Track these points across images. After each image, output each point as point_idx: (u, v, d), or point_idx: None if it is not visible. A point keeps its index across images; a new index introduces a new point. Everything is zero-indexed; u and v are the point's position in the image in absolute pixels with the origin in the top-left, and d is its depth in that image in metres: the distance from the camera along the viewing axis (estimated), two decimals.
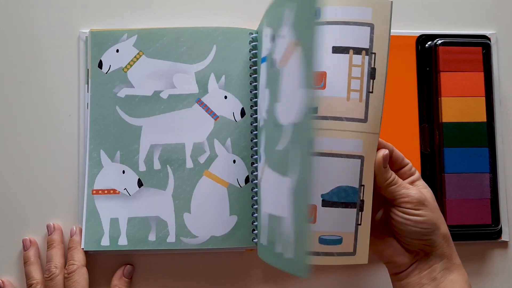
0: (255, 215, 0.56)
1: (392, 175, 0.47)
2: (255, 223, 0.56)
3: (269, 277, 0.59)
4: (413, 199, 0.46)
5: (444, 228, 0.47)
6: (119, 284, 0.56)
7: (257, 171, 0.55)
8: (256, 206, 0.56)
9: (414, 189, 0.47)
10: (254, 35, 0.58)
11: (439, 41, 0.60)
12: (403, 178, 0.48)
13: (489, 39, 0.61)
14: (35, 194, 0.59)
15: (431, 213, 0.46)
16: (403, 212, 0.46)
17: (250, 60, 0.57)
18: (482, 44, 0.60)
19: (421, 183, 0.49)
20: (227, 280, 0.59)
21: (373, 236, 0.48)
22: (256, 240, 0.55)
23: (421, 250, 0.47)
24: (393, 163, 0.48)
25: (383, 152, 0.46)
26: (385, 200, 0.49)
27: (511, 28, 0.63)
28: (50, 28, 0.60)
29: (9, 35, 0.60)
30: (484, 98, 0.59)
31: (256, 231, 0.55)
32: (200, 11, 0.62)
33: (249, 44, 0.58)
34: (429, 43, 0.61)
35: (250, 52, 0.58)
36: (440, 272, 0.46)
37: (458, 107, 0.59)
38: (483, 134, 0.59)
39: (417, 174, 0.49)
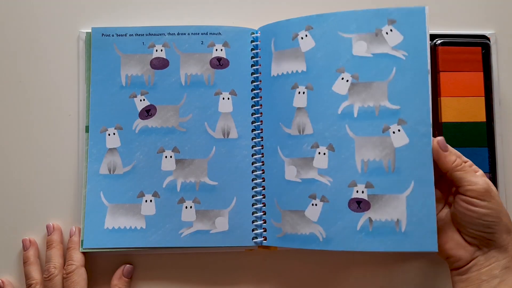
0: (258, 214, 0.56)
1: (458, 160, 0.47)
2: (256, 222, 0.56)
3: (269, 277, 0.59)
4: (480, 188, 0.45)
5: (509, 223, 0.46)
6: (119, 284, 0.56)
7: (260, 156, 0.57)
8: (257, 205, 0.56)
9: (482, 178, 0.46)
10: (255, 35, 0.59)
11: (439, 41, 0.60)
12: None
13: (488, 39, 0.61)
14: (35, 194, 0.59)
15: (497, 206, 0.45)
16: (467, 202, 0.46)
17: (251, 59, 0.58)
18: (482, 44, 0.60)
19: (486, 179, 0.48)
20: (227, 280, 0.59)
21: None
22: (259, 239, 0.56)
23: (483, 244, 0.46)
24: None
25: (437, 138, 0.48)
26: (448, 194, 0.49)
27: (511, 28, 0.63)
28: (50, 28, 0.60)
29: (9, 35, 0.60)
30: (483, 98, 0.59)
31: (257, 231, 0.56)
32: (200, 11, 0.62)
33: (251, 43, 0.58)
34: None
35: (251, 51, 0.58)
36: (501, 270, 0.45)
37: (458, 107, 0.59)
38: (482, 134, 0.59)
39: (481, 171, 0.49)
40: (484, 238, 0.46)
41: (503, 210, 0.46)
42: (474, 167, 0.49)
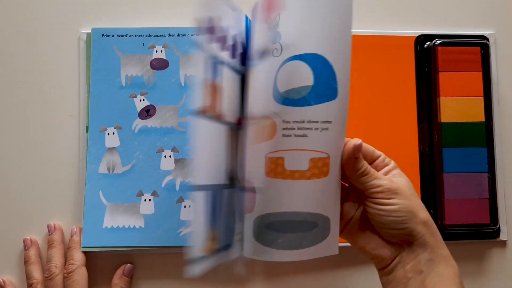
0: None
1: (364, 166, 0.45)
2: None
3: (269, 277, 0.59)
4: (384, 189, 0.44)
5: (423, 215, 0.44)
6: (119, 283, 0.56)
7: None
8: None
9: (385, 178, 0.45)
10: None
11: (438, 41, 0.60)
12: (378, 170, 0.47)
13: (487, 39, 0.61)
14: (36, 194, 0.59)
15: (406, 200, 0.44)
16: (375, 203, 0.44)
17: None
18: (481, 44, 0.60)
19: (397, 172, 0.47)
20: (227, 279, 0.59)
21: (354, 231, 0.47)
22: None
23: (402, 241, 0.45)
24: (363, 157, 0.47)
25: (355, 141, 0.44)
26: (362, 194, 0.48)
27: (510, 28, 0.63)
28: (50, 28, 0.61)
29: (9, 35, 0.60)
30: (482, 98, 0.59)
31: None
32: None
33: None
34: (427, 43, 0.61)
35: None
36: (425, 264, 0.44)
37: (457, 107, 0.59)
38: (481, 134, 0.59)
39: (392, 163, 0.47)
40: (400, 235, 0.44)
41: (415, 203, 0.44)
42: (386, 161, 0.47)
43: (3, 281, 0.57)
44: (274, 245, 0.43)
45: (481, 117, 0.59)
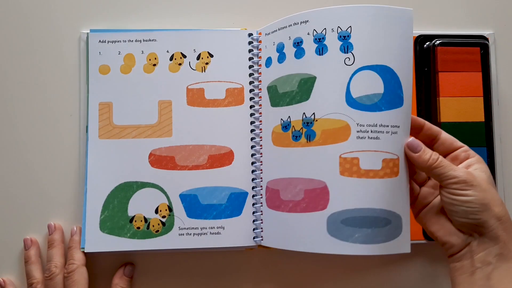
0: (256, 213, 0.56)
1: (433, 156, 0.47)
2: (256, 221, 0.56)
3: (269, 277, 0.59)
4: (460, 180, 0.45)
5: (499, 210, 0.45)
6: (120, 283, 0.56)
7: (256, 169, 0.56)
8: (257, 205, 0.56)
9: (462, 170, 0.46)
10: (254, 35, 0.58)
11: (437, 42, 0.60)
12: (457, 160, 0.49)
13: (487, 39, 0.61)
14: (36, 194, 0.59)
15: (481, 193, 0.45)
16: (450, 193, 0.46)
17: (249, 60, 0.58)
18: (480, 44, 0.60)
19: (479, 166, 0.47)
20: (227, 279, 0.59)
21: (429, 217, 0.49)
22: (258, 239, 0.56)
23: (473, 230, 0.46)
24: (440, 145, 0.50)
25: (407, 141, 0.48)
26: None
27: (509, 28, 0.63)
28: (50, 28, 0.60)
29: (9, 35, 0.60)
30: (482, 98, 0.60)
31: (257, 230, 0.56)
32: (200, 11, 0.62)
33: (249, 44, 0.58)
34: (427, 43, 0.61)
35: (249, 52, 0.58)
36: (495, 257, 0.45)
37: (456, 107, 0.59)
38: (481, 134, 0.59)
39: (476, 157, 0.48)
40: (471, 225, 0.45)
41: (492, 197, 0.45)
42: (468, 153, 0.49)
43: (3, 281, 0.57)
44: (351, 239, 0.47)
45: (480, 117, 0.60)
